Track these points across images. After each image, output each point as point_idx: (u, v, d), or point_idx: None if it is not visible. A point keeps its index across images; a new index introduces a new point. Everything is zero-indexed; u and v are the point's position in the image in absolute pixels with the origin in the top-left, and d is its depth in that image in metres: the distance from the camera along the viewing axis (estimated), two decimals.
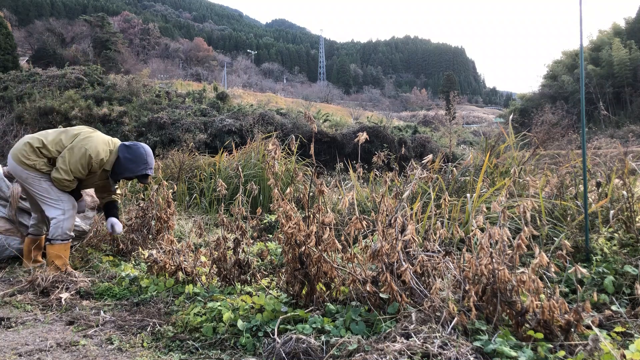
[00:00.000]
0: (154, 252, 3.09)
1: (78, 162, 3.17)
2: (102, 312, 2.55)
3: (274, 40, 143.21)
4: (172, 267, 2.95)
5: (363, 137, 2.31)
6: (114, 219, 3.60)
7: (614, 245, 2.79)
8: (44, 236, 3.50)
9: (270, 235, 4.61)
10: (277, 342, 1.89)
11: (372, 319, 2.07)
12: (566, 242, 1.89)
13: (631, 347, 1.59)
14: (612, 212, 3.03)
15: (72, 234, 3.35)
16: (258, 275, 2.81)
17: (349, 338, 1.88)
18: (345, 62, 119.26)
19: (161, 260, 2.96)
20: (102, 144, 3.28)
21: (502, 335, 1.80)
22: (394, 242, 2.17)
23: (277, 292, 2.56)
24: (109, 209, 3.65)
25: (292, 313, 2.17)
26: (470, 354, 1.66)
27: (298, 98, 53.02)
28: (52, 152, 3.21)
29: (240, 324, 2.14)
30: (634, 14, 50.25)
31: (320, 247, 2.27)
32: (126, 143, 3.42)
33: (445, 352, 1.67)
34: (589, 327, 1.82)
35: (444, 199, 2.54)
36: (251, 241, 2.82)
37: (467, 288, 1.99)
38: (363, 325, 2.03)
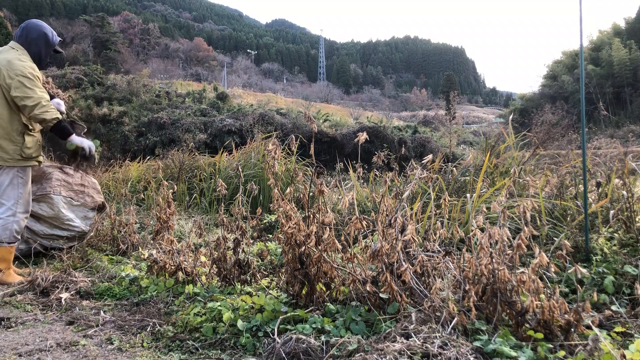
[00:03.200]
0: (154, 252, 3.08)
1: (32, 85, 3.02)
2: (102, 312, 2.55)
3: (274, 40, 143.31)
4: (172, 267, 2.94)
5: (363, 137, 2.30)
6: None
7: (614, 245, 2.78)
8: None
9: (270, 235, 4.61)
10: (277, 342, 1.89)
11: (372, 319, 2.07)
12: (566, 242, 1.89)
13: (631, 347, 1.59)
14: (612, 212, 3.03)
15: (19, 237, 3.21)
16: (258, 275, 2.81)
17: (349, 338, 1.88)
18: (345, 62, 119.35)
19: (161, 260, 2.96)
20: (15, 59, 3.06)
21: (502, 335, 1.80)
22: (394, 242, 2.17)
23: (277, 292, 2.56)
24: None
25: (292, 313, 2.17)
26: (470, 354, 1.66)
27: (298, 98, 53.06)
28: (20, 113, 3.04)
29: (240, 324, 2.14)
30: (634, 14, 50.31)
31: (320, 247, 2.27)
32: (17, 33, 3.24)
33: (445, 352, 1.67)
34: (589, 327, 1.82)
35: (444, 199, 2.54)
36: (251, 241, 2.82)
37: (467, 288, 1.99)
38: (363, 325, 2.03)
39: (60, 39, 3.36)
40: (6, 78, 3.00)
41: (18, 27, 3.36)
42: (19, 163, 3.11)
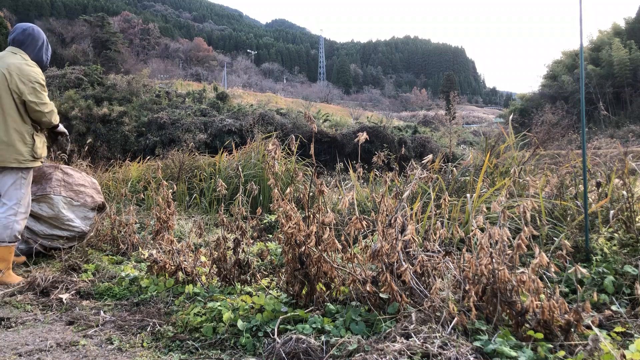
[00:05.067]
0: (154, 252, 3.08)
1: (43, 91, 3.16)
2: (102, 312, 2.55)
3: (274, 40, 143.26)
4: (172, 267, 2.94)
5: (363, 137, 2.30)
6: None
7: (614, 245, 2.78)
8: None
9: (270, 235, 4.61)
10: (277, 342, 1.89)
11: (372, 319, 2.07)
12: (566, 242, 1.89)
13: (631, 347, 1.59)
14: (612, 212, 3.03)
15: (20, 237, 3.21)
16: (258, 275, 2.81)
17: (349, 338, 1.88)
18: (345, 62, 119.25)
19: (161, 260, 2.96)
20: (24, 65, 3.12)
21: (502, 335, 1.80)
22: (394, 242, 2.17)
23: (277, 292, 2.56)
24: None
25: (292, 313, 2.17)
26: (470, 354, 1.66)
27: (298, 98, 53.05)
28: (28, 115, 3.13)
29: (240, 324, 2.14)
30: (634, 14, 50.29)
31: (320, 247, 2.27)
32: (16, 38, 3.21)
33: (445, 352, 1.67)
34: (589, 327, 1.82)
35: (444, 199, 2.54)
36: (251, 241, 2.82)
37: (467, 288, 1.99)
38: (363, 325, 2.03)
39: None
40: (18, 83, 3.07)
41: None
42: (31, 164, 3.19)
